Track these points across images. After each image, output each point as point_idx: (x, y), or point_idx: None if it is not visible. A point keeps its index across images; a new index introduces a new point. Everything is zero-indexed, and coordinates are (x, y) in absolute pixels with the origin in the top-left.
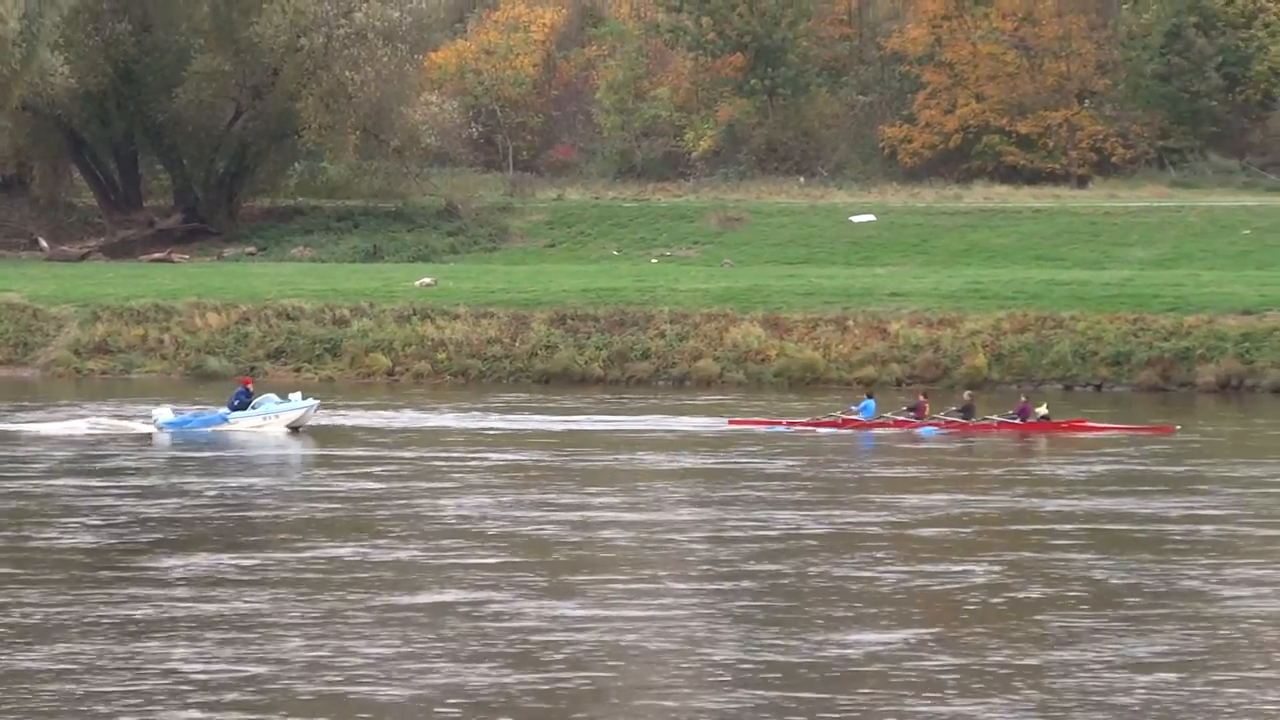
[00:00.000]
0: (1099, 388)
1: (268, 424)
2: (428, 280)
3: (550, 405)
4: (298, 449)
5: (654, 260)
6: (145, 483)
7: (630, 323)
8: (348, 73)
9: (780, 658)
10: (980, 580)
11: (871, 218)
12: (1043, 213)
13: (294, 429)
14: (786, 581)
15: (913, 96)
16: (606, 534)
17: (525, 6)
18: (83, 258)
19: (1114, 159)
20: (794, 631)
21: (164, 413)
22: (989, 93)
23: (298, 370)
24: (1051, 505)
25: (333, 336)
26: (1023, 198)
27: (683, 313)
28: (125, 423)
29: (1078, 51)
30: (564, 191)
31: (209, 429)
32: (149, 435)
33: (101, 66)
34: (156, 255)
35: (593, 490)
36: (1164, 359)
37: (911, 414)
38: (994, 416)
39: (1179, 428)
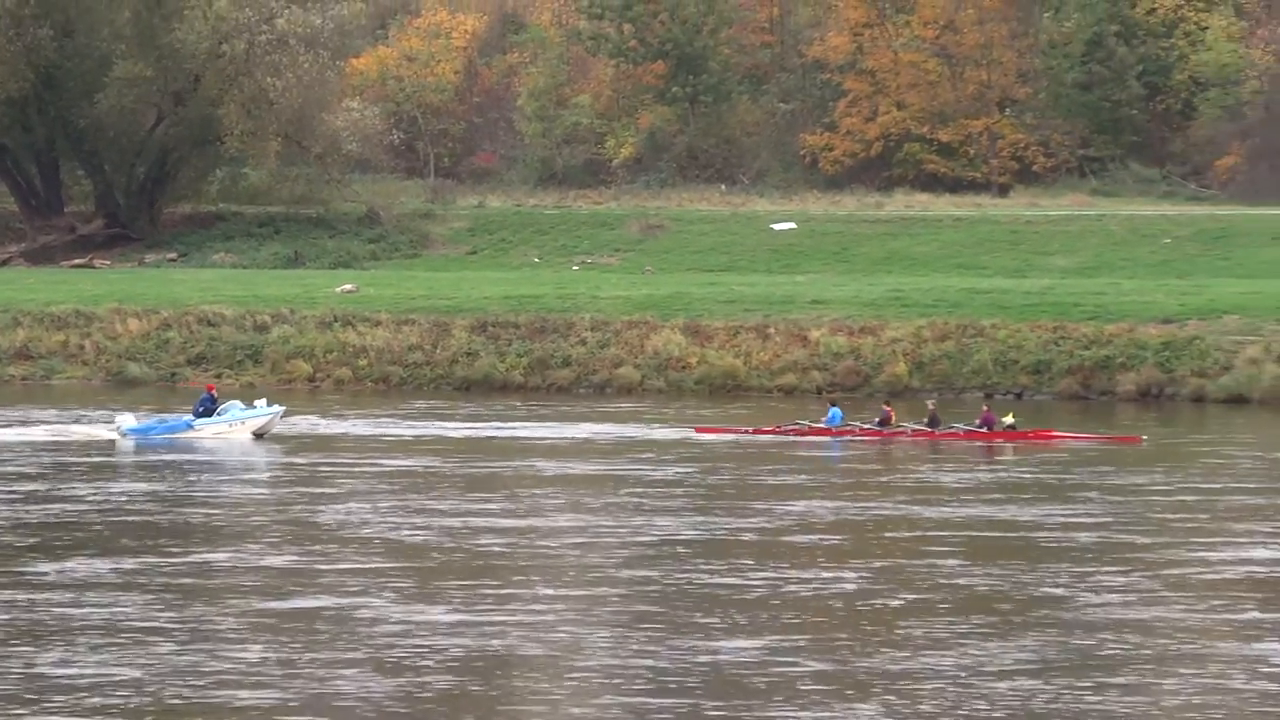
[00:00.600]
0: (1019, 396)
1: (233, 430)
2: (349, 287)
3: (459, 412)
4: (204, 456)
5: (575, 268)
6: (35, 488)
7: (551, 330)
8: (269, 79)
9: (648, 663)
10: (850, 587)
11: (792, 225)
12: (964, 221)
13: (259, 435)
14: (658, 587)
15: (834, 104)
16: (482, 540)
17: (447, 13)
18: (3, 263)
19: (1035, 167)
20: (663, 637)
21: (127, 419)
22: (910, 101)
23: (218, 376)
24: (931, 512)
25: (254, 343)
26: (944, 206)
27: (604, 320)
28: (88, 429)
29: (999, 60)
30: (485, 198)
31: (173, 435)
32: (112, 442)
33: (22, 72)
34: (78, 261)
35: (476, 496)
36: (1084, 367)
37: (878, 424)
38: (959, 425)
39: (1146, 438)
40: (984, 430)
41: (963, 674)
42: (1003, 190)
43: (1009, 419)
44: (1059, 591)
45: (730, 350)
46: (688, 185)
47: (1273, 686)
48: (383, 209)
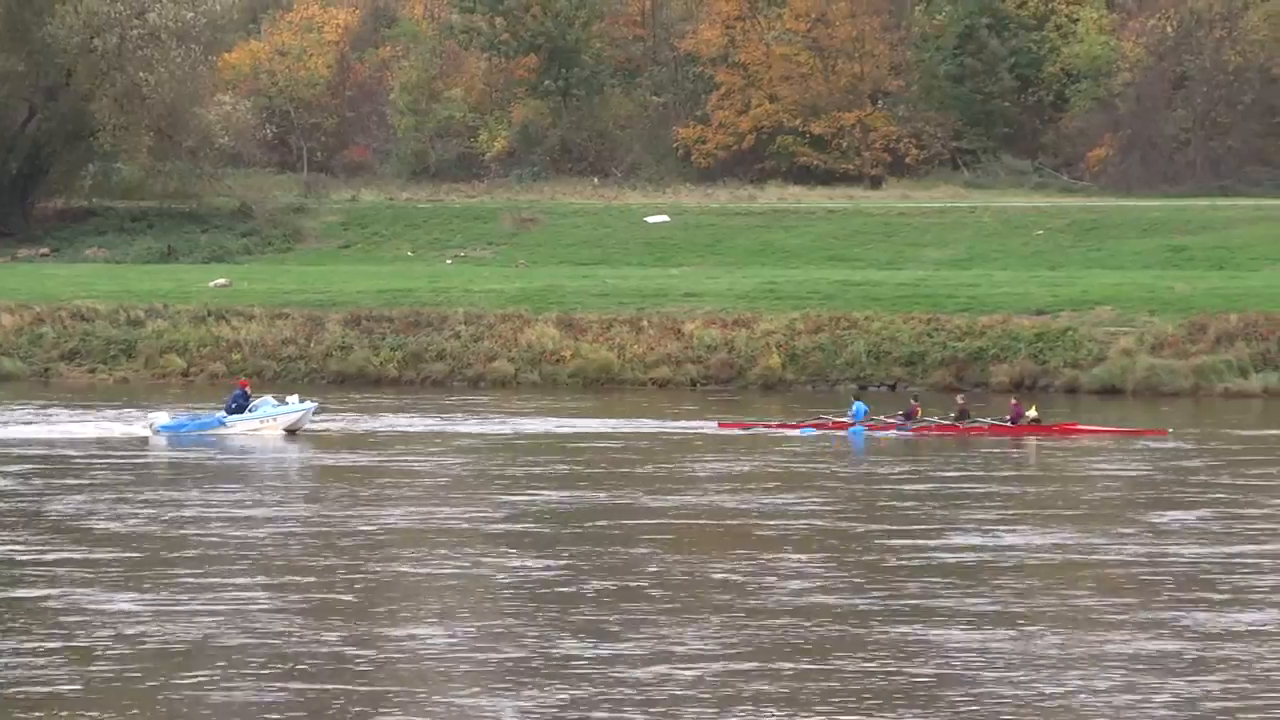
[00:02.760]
0: (893, 388)
1: (264, 427)
2: (223, 281)
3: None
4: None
5: (449, 261)
6: None
7: (425, 324)
8: (141, 73)
9: (329, 649)
10: (540, 574)
11: (666, 218)
12: (837, 213)
13: (291, 432)
14: (346, 576)
15: (706, 97)
16: (194, 531)
17: (319, 7)
18: None
19: (908, 160)
20: (347, 623)
21: (160, 417)
22: (783, 93)
23: (92, 371)
24: (666, 502)
25: (127, 338)
26: (816, 198)
27: (477, 314)
28: (124, 427)
29: (871, 52)
30: (358, 192)
31: (205, 433)
32: (145, 439)
33: None
34: None
35: (219, 488)
36: (958, 359)
37: (903, 418)
38: (986, 420)
39: (1171, 431)
40: (1010, 424)
41: (640, 659)
42: (875, 183)
43: (1032, 412)
44: (741, 579)
45: (604, 343)
46: (561, 178)
47: (918, 668)
48: (256, 203)
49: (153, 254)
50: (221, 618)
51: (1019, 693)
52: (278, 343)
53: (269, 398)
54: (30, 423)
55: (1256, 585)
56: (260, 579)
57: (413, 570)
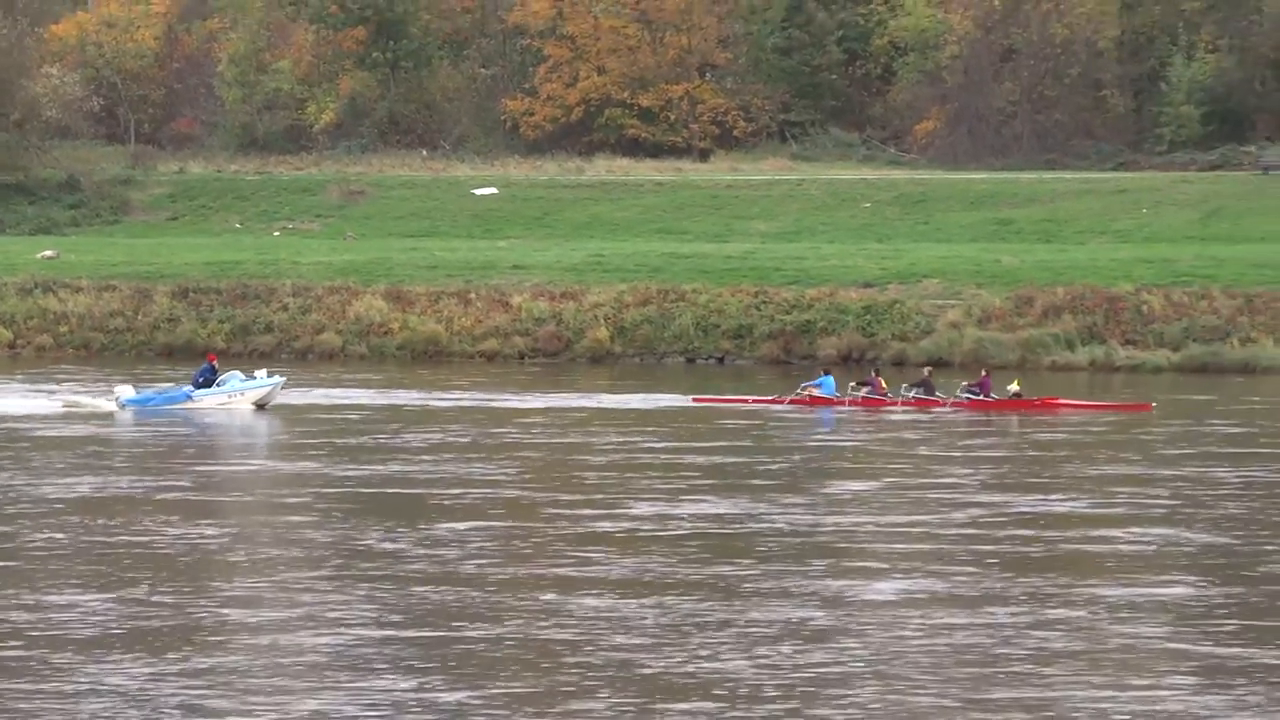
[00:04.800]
0: (721, 360)
1: (233, 401)
2: (49, 253)
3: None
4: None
5: (276, 233)
6: None
7: (253, 296)
8: None
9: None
10: (210, 544)
11: (494, 191)
12: (664, 186)
13: (260, 406)
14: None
15: (534, 70)
16: None
17: None
18: None
19: (735, 132)
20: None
21: (126, 390)
22: (610, 66)
23: None
24: (334, 471)
25: None
26: (644, 171)
27: (305, 286)
28: (89, 400)
29: (699, 25)
30: (186, 164)
31: (172, 406)
32: (111, 413)
33: None
34: None
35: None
36: (786, 332)
37: (869, 390)
38: (961, 393)
39: (1155, 404)
40: (981, 397)
41: (295, 627)
42: (703, 155)
43: (1014, 386)
44: (397, 545)
45: (432, 316)
46: (389, 151)
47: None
48: (83, 175)
49: None
50: None
51: (640, 657)
52: (105, 315)
53: (236, 372)
54: None
55: (895, 554)
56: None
57: (96, 538)
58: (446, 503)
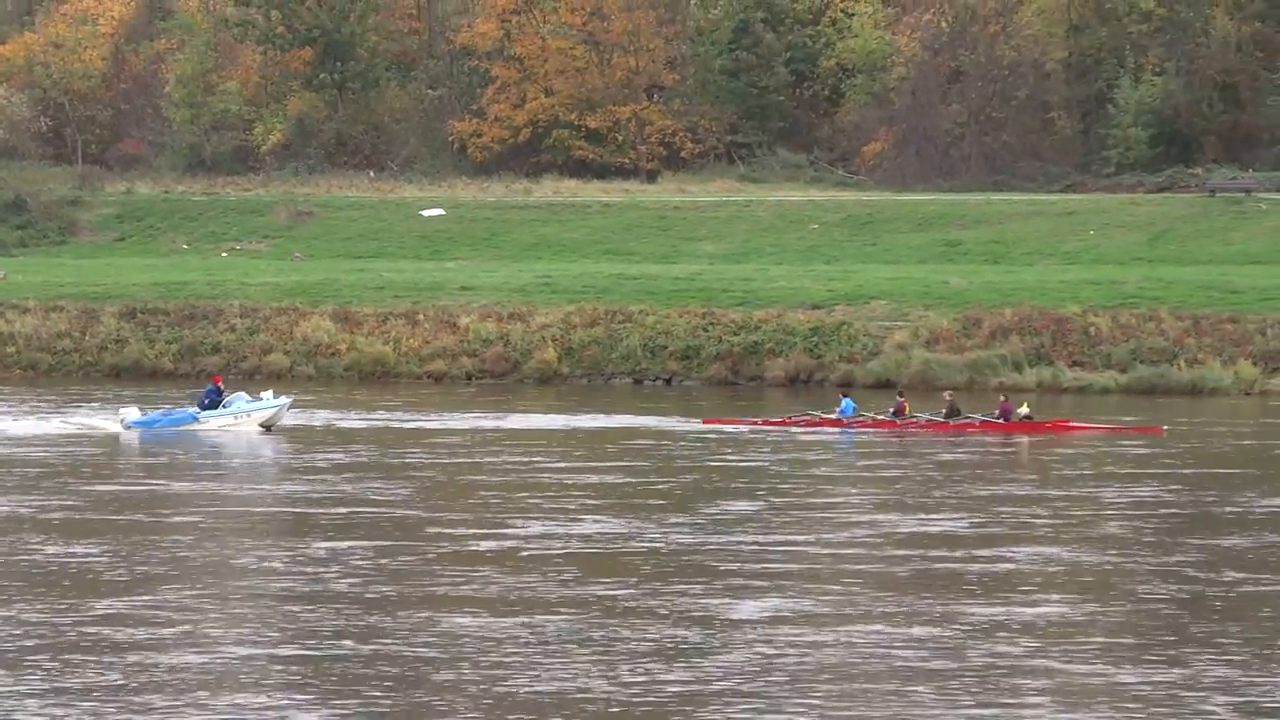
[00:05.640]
0: (669, 381)
1: (239, 423)
2: None
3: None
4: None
5: (224, 254)
6: None
7: (200, 317)
8: None
9: None
10: (89, 563)
11: (441, 212)
12: (612, 207)
13: (266, 428)
14: None
15: (482, 91)
16: None
17: (94, 0)
18: None
19: (683, 154)
20: None
21: (132, 412)
22: (558, 87)
23: None
24: (245, 491)
25: None
26: (592, 192)
27: (253, 307)
28: (92, 421)
29: (647, 46)
30: (134, 185)
31: (179, 428)
32: (116, 435)
33: None
34: None
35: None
36: (733, 353)
37: (893, 415)
38: (976, 416)
39: (1167, 428)
40: (1001, 421)
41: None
42: (651, 176)
43: (1024, 409)
44: (274, 566)
45: (380, 337)
46: (336, 172)
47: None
48: (30, 196)
49: None
50: None
51: (507, 675)
52: (52, 335)
53: (242, 394)
54: None
55: (773, 573)
56: None
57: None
58: (333, 522)
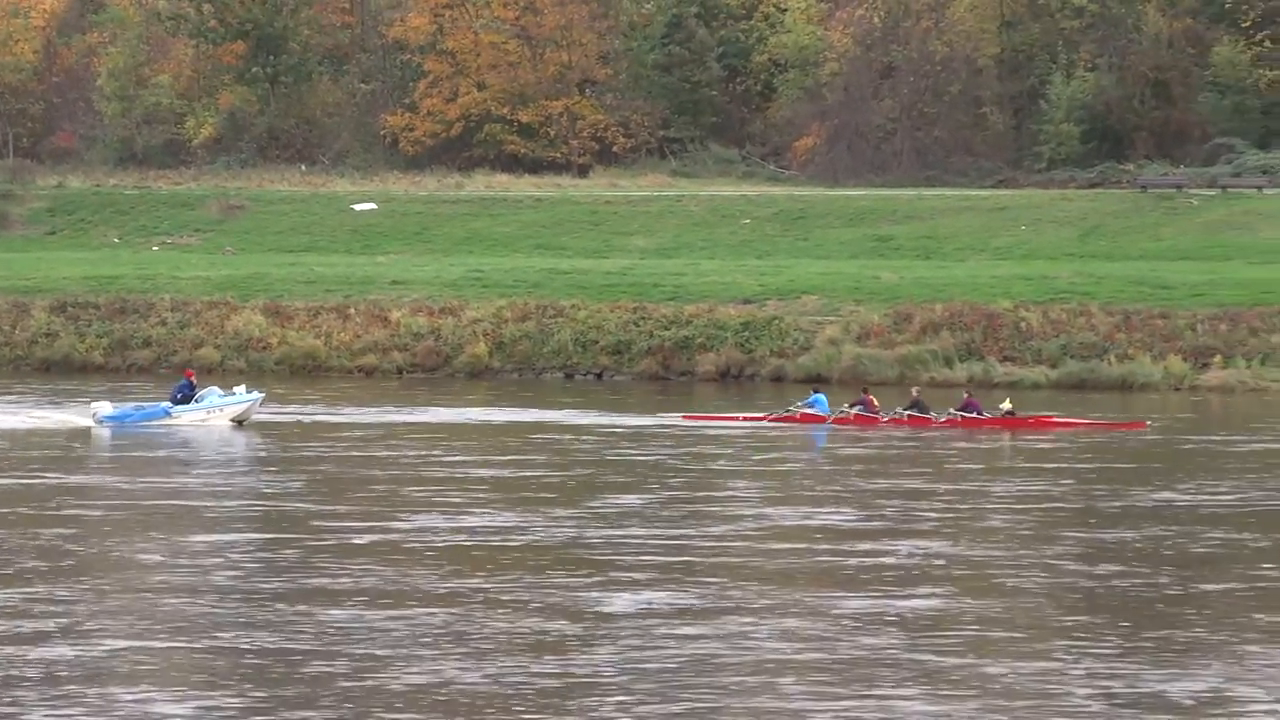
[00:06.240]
0: (600, 376)
1: (211, 418)
2: None
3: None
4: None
5: (155, 248)
6: None
7: (132, 310)
8: None
9: None
10: None
11: (373, 206)
12: (544, 201)
13: (239, 422)
14: None
15: (414, 85)
16: None
17: None
18: None
19: (615, 148)
20: None
21: (103, 407)
22: (490, 81)
23: None
24: (135, 484)
25: None
26: (524, 186)
27: (184, 300)
28: (64, 416)
29: (579, 41)
30: (65, 179)
31: (150, 423)
32: (88, 429)
33: None
34: None
35: None
36: (665, 348)
37: (860, 408)
38: (954, 411)
39: (1150, 423)
40: (973, 416)
41: None
42: (583, 171)
43: (1006, 404)
44: (155, 557)
45: (310, 331)
46: (268, 166)
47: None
48: None
49: None
50: None
51: (375, 667)
52: None
53: (215, 388)
54: None
55: (651, 566)
56: None
57: None
58: (220, 515)
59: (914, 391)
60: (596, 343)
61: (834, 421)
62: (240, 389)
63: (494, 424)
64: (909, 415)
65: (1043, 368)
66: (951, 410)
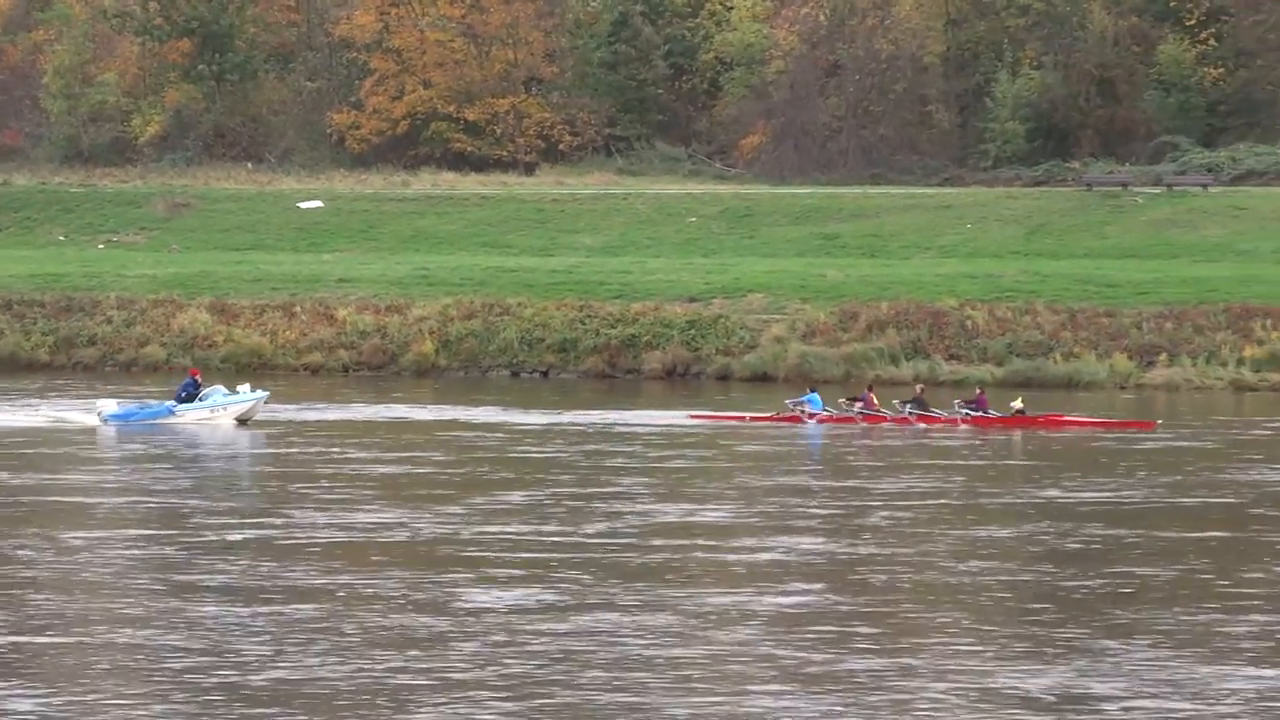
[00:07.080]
0: (545, 374)
1: (216, 416)
2: None
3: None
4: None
5: (101, 246)
6: None
7: (77, 308)
8: None
9: None
10: None
11: (319, 204)
12: (490, 200)
13: (242, 421)
14: None
15: (360, 83)
16: None
17: None
18: None
19: (561, 146)
20: None
21: (108, 405)
22: (437, 80)
23: None
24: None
25: None
26: (470, 184)
27: (130, 298)
28: (68, 415)
29: (525, 39)
30: (10, 176)
31: (155, 421)
32: (93, 429)
33: None
34: None
35: None
36: (611, 346)
37: (861, 405)
38: (962, 409)
39: (1160, 423)
40: (979, 414)
41: None
42: (529, 169)
43: (1018, 403)
44: (25, 553)
45: (256, 329)
46: (214, 163)
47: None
48: None
49: None
50: None
51: (236, 662)
52: None
53: (219, 387)
54: None
55: (526, 563)
56: None
57: None
58: (104, 512)
59: (917, 389)
60: (543, 340)
61: (837, 420)
62: (244, 388)
63: (410, 421)
64: (912, 413)
65: (989, 366)
66: (958, 404)
